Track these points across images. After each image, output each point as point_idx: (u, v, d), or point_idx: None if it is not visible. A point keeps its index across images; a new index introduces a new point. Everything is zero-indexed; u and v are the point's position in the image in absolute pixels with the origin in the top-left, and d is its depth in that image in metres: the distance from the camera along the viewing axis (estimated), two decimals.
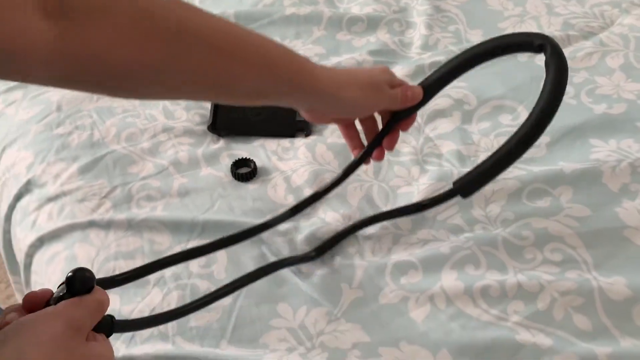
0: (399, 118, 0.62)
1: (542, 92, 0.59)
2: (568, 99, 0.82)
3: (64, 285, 0.42)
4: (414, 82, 0.85)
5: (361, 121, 0.64)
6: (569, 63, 0.86)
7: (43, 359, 0.37)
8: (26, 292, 0.78)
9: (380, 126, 0.65)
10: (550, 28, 0.93)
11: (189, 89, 0.48)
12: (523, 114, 0.80)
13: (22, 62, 0.38)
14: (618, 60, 0.87)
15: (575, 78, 0.85)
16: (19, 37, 0.36)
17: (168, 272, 0.65)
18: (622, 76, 0.84)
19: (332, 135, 0.79)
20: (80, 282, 0.41)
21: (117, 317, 0.62)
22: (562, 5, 0.97)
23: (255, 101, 0.53)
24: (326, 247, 0.66)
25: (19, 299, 0.90)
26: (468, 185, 0.61)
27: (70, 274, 0.41)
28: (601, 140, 0.76)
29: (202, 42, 0.45)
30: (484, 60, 0.63)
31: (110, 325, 0.45)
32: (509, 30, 0.93)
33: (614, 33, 0.91)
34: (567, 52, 0.88)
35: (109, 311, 0.50)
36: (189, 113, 0.84)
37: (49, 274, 0.70)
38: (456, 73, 0.63)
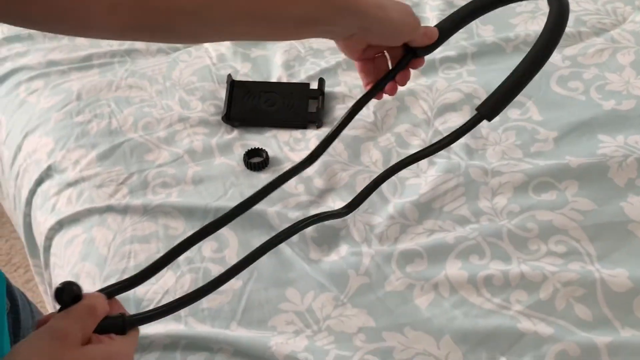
0: (414, 54, 0.64)
1: (548, 17, 0.62)
2: (577, 94, 0.83)
3: None
4: (425, 78, 0.87)
5: (375, 60, 0.66)
6: (580, 59, 0.88)
7: None
8: (45, 274, 0.81)
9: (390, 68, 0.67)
10: None
11: (242, 21, 0.50)
12: (532, 109, 0.81)
13: (87, 12, 0.42)
14: (629, 57, 0.87)
15: (585, 74, 0.85)
16: None
17: (181, 256, 0.68)
18: (632, 73, 0.85)
19: None
20: (66, 294, 0.42)
21: (132, 299, 0.65)
22: (575, 2, 0.98)
23: (302, 30, 0.55)
24: (357, 203, 0.67)
25: (38, 282, 0.93)
26: (491, 108, 0.62)
27: (58, 285, 0.42)
28: (609, 135, 0.77)
29: None
30: (494, 7, 0.66)
31: (120, 324, 0.45)
32: (521, 26, 0.94)
33: (626, 30, 0.91)
34: (578, 48, 0.89)
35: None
36: (204, 104, 0.86)
37: (67, 256, 0.73)
38: (468, 19, 0.66)
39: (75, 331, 0.41)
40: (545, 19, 0.95)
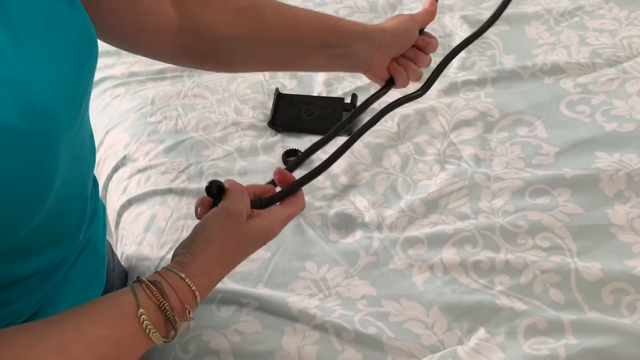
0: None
1: None
2: (583, 117, 0.92)
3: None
4: (447, 98, 0.99)
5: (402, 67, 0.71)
6: (591, 87, 0.98)
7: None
8: (113, 245, 0.97)
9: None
10: (579, 56, 1.03)
11: (269, 46, 0.64)
12: (539, 127, 0.91)
13: (154, 36, 0.58)
14: (637, 86, 0.96)
15: (593, 100, 0.95)
16: (154, 18, 0.57)
17: None
18: (638, 100, 0.93)
19: (368, 136, 0.94)
20: (213, 187, 0.55)
21: (154, 256, 0.80)
22: (595, 36, 1.07)
23: (319, 54, 0.66)
24: (430, 83, 0.70)
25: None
26: None
27: (207, 184, 0.55)
28: (606, 153, 0.86)
29: (273, 9, 0.63)
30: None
31: (258, 204, 0.58)
32: (540, 57, 1.05)
33: (638, 62, 1.00)
34: (590, 77, 0.99)
35: None
36: (255, 112, 1.01)
37: (133, 229, 0.89)
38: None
39: (242, 210, 0.55)
40: (564, 51, 1.06)
